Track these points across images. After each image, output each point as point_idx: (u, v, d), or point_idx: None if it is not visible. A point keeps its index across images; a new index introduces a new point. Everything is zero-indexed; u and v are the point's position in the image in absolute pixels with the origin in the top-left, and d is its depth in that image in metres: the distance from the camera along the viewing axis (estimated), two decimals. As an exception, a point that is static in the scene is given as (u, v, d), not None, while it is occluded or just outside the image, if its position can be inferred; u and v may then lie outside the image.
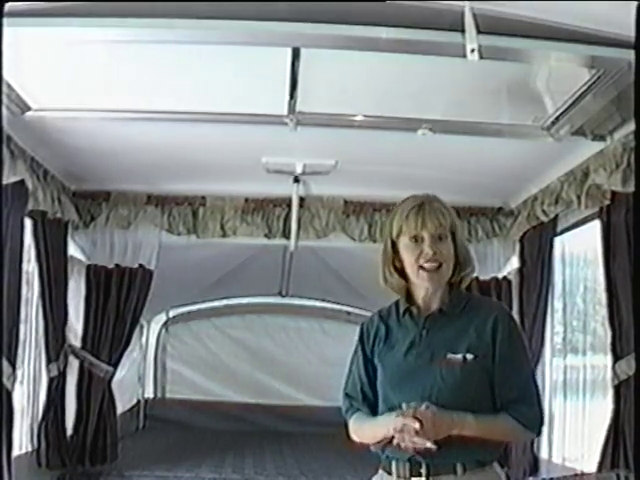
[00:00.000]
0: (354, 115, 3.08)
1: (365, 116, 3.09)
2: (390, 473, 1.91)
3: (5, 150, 3.08)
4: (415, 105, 2.98)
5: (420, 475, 1.85)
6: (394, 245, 1.93)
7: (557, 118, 3.00)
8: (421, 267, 1.88)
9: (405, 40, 2.26)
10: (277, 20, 2.20)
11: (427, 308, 1.95)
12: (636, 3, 1.89)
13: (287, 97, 2.85)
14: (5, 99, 2.73)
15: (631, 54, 2.06)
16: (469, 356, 1.85)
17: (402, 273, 1.94)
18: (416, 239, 1.89)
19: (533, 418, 1.90)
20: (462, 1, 2.10)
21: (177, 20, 2.21)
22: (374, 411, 1.98)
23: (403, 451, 1.83)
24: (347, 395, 2.04)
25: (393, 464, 1.90)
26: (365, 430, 1.98)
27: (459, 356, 1.86)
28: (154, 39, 2.36)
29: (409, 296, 1.96)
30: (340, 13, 2.19)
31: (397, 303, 1.99)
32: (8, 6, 1.97)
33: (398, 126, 3.15)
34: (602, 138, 3.17)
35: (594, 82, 2.58)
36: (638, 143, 2.23)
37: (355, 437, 2.01)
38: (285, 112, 2.98)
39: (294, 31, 2.26)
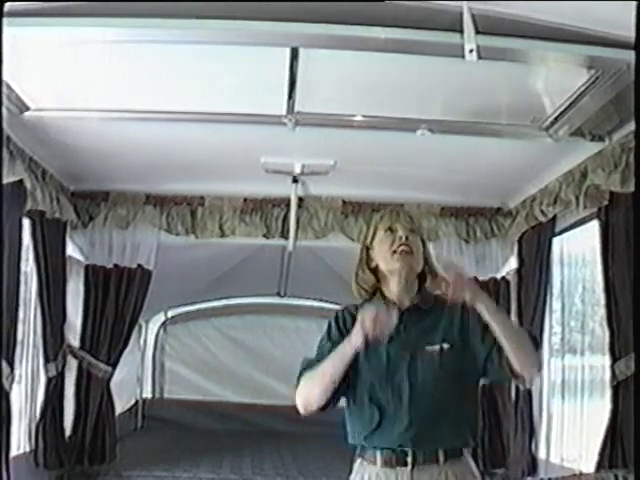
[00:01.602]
0: (353, 115, 3.08)
1: (364, 116, 3.09)
2: (374, 463, 2.00)
3: (4, 150, 3.08)
4: (414, 105, 2.97)
5: (406, 464, 1.96)
6: (368, 250, 2.15)
7: (556, 118, 3.00)
8: (394, 252, 2.07)
9: (404, 40, 2.27)
10: (276, 20, 2.20)
11: (401, 305, 2.10)
12: (636, 3, 1.90)
13: (286, 97, 2.85)
14: (4, 99, 2.73)
15: (631, 54, 2.07)
16: (445, 345, 2.04)
17: (374, 273, 2.13)
18: (391, 230, 2.11)
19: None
20: (460, 1, 2.10)
21: (176, 20, 2.22)
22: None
23: (387, 439, 1.96)
24: (303, 371, 2.06)
25: (378, 454, 1.99)
26: (317, 373, 1.99)
27: (436, 347, 2.04)
28: (153, 39, 2.36)
29: (382, 295, 2.12)
30: (339, 13, 2.19)
31: (369, 301, 2.13)
32: (8, 6, 1.97)
33: (397, 126, 3.15)
34: (601, 139, 3.17)
35: (593, 82, 2.58)
36: (638, 143, 2.23)
37: (304, 393, 2.02)
38: (284, 112, 2.98)
39: (293, 31, 2.27)
